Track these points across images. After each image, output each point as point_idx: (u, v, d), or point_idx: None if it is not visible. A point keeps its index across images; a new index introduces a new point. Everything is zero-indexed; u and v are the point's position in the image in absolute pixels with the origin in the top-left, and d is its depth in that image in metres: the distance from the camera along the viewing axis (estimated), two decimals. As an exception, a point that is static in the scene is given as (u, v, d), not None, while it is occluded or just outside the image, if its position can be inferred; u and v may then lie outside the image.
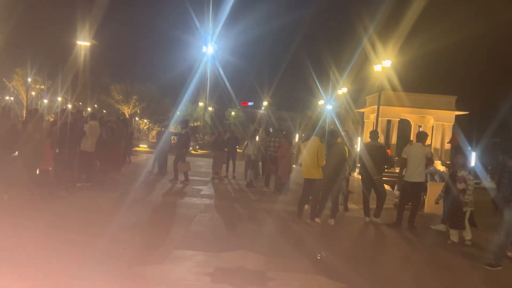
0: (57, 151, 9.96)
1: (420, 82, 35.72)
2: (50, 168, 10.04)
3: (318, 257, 6.90)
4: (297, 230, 8.66)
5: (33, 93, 40.22)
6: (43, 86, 41.56)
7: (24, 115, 23.63)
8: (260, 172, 15.58)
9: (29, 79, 38.07)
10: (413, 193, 9.51)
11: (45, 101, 45.17)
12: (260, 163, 15.11)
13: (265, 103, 60.08)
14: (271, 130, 19.52)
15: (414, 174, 9.32)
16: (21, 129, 9.76)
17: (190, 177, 13.83)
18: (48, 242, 6.47)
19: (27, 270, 5.33)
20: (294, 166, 13.88)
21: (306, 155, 9.03)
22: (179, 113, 55.52)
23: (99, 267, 5.61)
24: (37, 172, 9.69)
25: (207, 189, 12.88)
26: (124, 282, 5.25)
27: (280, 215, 9.90)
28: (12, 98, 41.65)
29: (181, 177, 13.65)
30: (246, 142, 15.57)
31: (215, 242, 7.22)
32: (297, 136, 32.62)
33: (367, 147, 10.01)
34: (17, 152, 9.38)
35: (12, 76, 38.02)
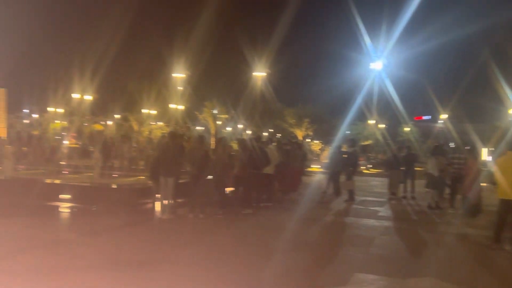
0: (245, 173, 10.90)
1: None
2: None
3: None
4: (496, 258, 7.62)
5: (219, 123, 45.09)
6: (226, 116, 46.27)
7: (213, 142, 26.59)
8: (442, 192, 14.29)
9: (215, 111, 42.89)
10: None
11: (229, 128, 50.19)
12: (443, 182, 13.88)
13: (444, 116, 55.29)
14: (452, 145, 17.83)
15: None
16: (212, 154, 10.99)
17: (364, 198, 13.55)
18: (234, 257, 7.06)
19: (226, 277, 5.90)
20: (484, 184, 12.36)
21: (502, 173, 7.97)
22: (348, 132, 55.20)
23: (280, 281, 5.85)
24: (226, 192, 10.76)
25: (384, 210, 12.40)
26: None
27: (472, 240, 8.89)
28: (203, 128, 47.46)
29: (345, 196, 13.48)
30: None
31: (399, 267, 6.85)
32: (485, 151, 29.04)
33: None
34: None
35: (202, 109, 43.43)
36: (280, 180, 13.71)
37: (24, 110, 53.41)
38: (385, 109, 48.29)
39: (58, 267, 6.19)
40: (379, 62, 41.46)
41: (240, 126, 49.69)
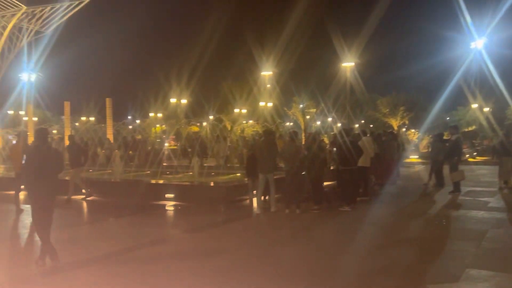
0: (340, 168, 10.71)
1: None
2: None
3: None
4: None
5: (308, 117, 44.87)
6: (315, 110, 45.87)
7: (303, 138, 26.51)
8: None
9: (301, 105, 42.70)
10: None
11: (318, 122, 49.67)
12: None
13: None
14: None
15: None
16: (304, 149, 10.94)
17: (471, 188, 12.54)
18: (334, 253, 6.93)
19: (328, 273, 5.83)
20: None
21: None
22: (448, 118, 51.54)
23: (385, 278, 5.62)
24: (321, 187, 10.65)
25: (495, 201, 11.35)
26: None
27: None
28: (291, 124, 47.58)
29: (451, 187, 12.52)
30: None
31: (517, 263, 6.22)
32: None
33: None
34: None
35: (290, 104, 43.56)
36: (376, 173, 13.25)
37: (128, 117, 58.15)
38: (489, 91, 44.23)
39: (164, 260, 6.59)
40: (480, 40, 38.06)
41: (329, 119, 48.90)
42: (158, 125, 49.50)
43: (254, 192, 11.07)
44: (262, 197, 10.67)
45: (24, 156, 6.70)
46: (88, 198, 12.39)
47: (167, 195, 11.81)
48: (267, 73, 41.19)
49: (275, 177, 10.34)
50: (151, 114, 53.77)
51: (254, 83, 42.52)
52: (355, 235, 8.11)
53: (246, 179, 11.67)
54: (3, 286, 5.73)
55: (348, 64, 30.96)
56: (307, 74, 39.09)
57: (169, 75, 45.26)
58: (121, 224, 9.79)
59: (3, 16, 29.04)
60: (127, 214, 10.45)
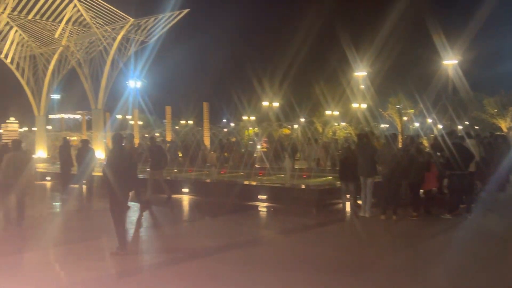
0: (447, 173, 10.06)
1: None
2: (434, 188, 10.27)
3: None
4: None
5: (405, 118, 42.82)
6: (412, 110, 43.62)
7: (400, 140, 25.33)
8: None
9: (398, 106, 40.85)
10: None
11: (416, 124, 47.08)
12: None
13: None
14: None
15: None
16: (403, 154, 10.42)
17: None
18: (439, 264, 6.49)
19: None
20: None
21: None
22: None
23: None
24: (420, 193, 10.06)
25: None
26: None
27: None
28: (387, 125, 45.72)
29: None
30: None
31: None
32: None
33: None
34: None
35: (386, 105, 41.91)
36: (482, 178, 12.17)
37: (223, 120, 60.41)
38: None
39: (257, 262, 6.70)
40: None
41: (429, 120, 46.11)
42: (251, 128, 50.73)
43: (348, 196, 10.82)
44: (358, 201, 10.41)
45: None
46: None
47: (260, 196, 12.02)
48: (361, 73, 40.12)
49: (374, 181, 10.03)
50: (245, 117, 55.28)
51: (347, 84, 41.68)
52: (461, 245, 7.56)
53: (338, 182, 11.44)
54: (116, 276, 6.27)
55: (450, 62, 28.93)
56: (404, 73, 37.37)
57: (262, 79, 46.17)
58: (217, 223, 10.19)
59: (113, 29, 31.85)
60: (222, 213, 10.85)
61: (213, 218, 10.74)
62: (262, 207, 11.63)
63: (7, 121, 36.77)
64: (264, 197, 11.98)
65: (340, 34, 37.63)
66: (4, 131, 34.75)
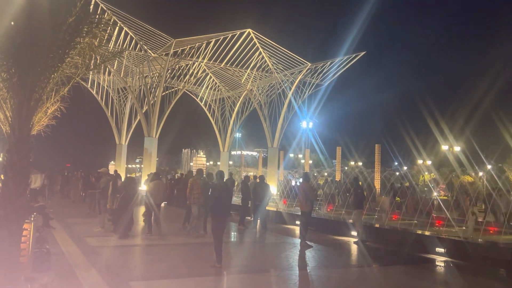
0: None
1: None
2: None
3: None
4: None
5: None
6: None
7: None
8: None
9: None
10: None
11: None
12: None
13: None
14: None
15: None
16: None
17: None
18: None
19: None
20: None
21: None
22: None
23: None
24: None
25: None
26: None
27: None
28: None
29: None
30: None
31: None
32: None
33: None
34: None
35: None
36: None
37: (395, 163, 57.82)
38: None
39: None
40: None
41: None
42: (426, 173, 47.35)
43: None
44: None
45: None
46: (359, 242, 12.65)
47: (437, 249, 11.00)
48: None
49: None
50: (420, 161, 52.03)
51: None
52: None
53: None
54: None
55: None
56: None
57: (440, 120, 43.11)
58: (389, 272, 9.62)
59: (292, 73, 34.04)
60: (394, 262, 10.23)
61: (383, 266, 10.20)
62: (440, 261, 10.60)
63: (197, 155, 42.02)
64: (442, 250, 10.93)
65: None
66: (194, 163, 39.73)
